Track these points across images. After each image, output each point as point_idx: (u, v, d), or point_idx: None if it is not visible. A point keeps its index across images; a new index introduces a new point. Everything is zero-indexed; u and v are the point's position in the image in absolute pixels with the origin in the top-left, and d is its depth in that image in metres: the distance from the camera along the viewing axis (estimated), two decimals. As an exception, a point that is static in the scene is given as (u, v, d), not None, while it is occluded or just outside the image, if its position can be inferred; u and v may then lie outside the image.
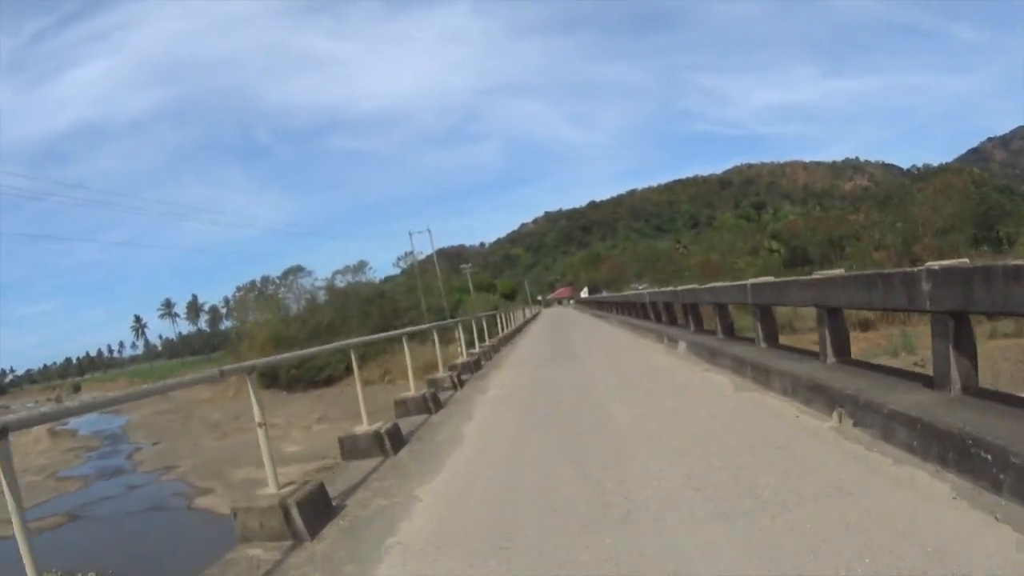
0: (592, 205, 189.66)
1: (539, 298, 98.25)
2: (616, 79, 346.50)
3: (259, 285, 40.93)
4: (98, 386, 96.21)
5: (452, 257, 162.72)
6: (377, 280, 40.59)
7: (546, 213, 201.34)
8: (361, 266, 39.43)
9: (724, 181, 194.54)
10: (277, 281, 40.36)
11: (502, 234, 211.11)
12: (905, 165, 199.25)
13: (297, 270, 40.27)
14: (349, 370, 34.69)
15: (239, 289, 42.67)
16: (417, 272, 41.52)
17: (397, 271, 46.91)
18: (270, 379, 36.64)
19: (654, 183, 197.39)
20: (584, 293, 61.71)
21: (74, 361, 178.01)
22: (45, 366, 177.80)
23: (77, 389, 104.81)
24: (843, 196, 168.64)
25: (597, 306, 30.77)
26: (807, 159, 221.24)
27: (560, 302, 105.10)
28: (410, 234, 49.14)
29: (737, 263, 27.42)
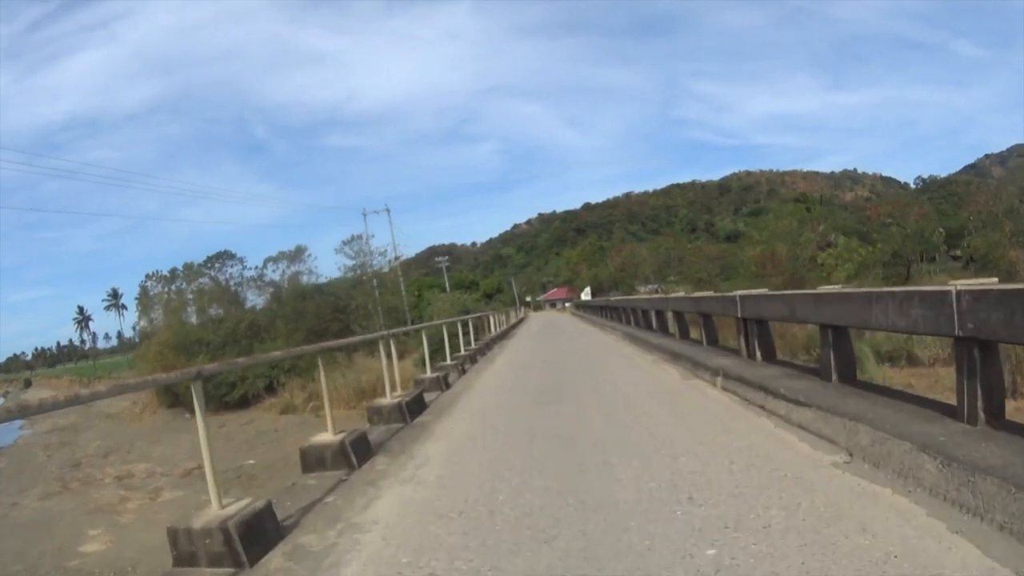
0: (587, 207, 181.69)
1: (528, 300, 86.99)
2: (615, 84, 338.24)
3: (181, 273, 32.19)
4: (46, 382, 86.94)
5: (443, 255, 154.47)
6: (317, 270, 32.35)
7: (539, 214, 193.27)
8: (299, 252, 30.93)
9: (723, 187, 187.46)
10: (198, 269, 31.67)
11: (495, 234, 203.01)
12: (903, 178, 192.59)
13: (225, 256, 31.62)
14: (271, 390, 25.37)
15: (148, 277, 33.70)
16: (369, 263, 32.99)
17: (349, 260, 37.31)
18: (174, 396, 27.90)
19: (650, 188, 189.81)
20: (586, 295, 46.42)
21: (43, 351, 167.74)
22: (15, 355, 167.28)
23: (28, 384, 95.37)
24: (845, 206, 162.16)
25: (638, 323, 17.20)
26: (804, 169, 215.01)
27: (553, 304, 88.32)
28: (364, 214, 38.14)
29: (819, 255, 19.21)
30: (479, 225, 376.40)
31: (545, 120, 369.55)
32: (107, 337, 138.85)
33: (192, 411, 20.08)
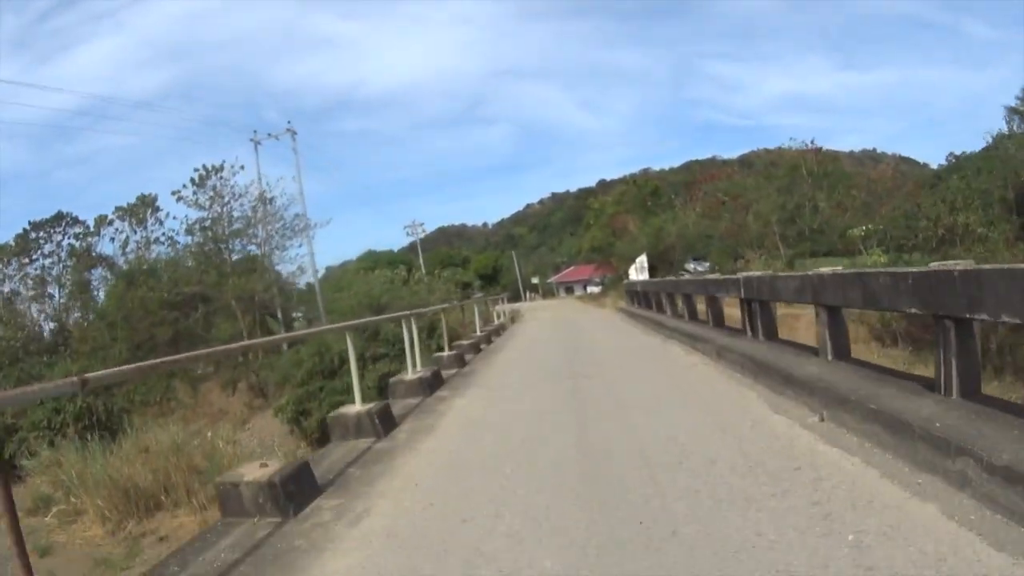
0: (602, 184, 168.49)
1: (534, 282, 65.77)
2: (627, 65, 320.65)
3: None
4: None
5: (452, 236, 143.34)
6: (175, 235, 20.96)
7: (552, 193, 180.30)
8: (144, 206, 19.65)
9: (744, 163, 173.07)
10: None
11: (507, 215, 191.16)
12: (921, 159, 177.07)
13: (67, 221, 20.45)
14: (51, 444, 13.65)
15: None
16: (229, 213, 21.00)
17: (199, 211, 22.35)
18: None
19: (667, 166, 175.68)
20: (638, 271, 24.30)
21: None
22: None
23: None
24: (873, 181, 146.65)
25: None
26: (824, 148, 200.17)
27: (570, 290, 63.64)
28: (254, 141, 26.22)
29: None
30: (492, 207, 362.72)
31: (558, 103, 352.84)
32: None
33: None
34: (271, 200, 22.90)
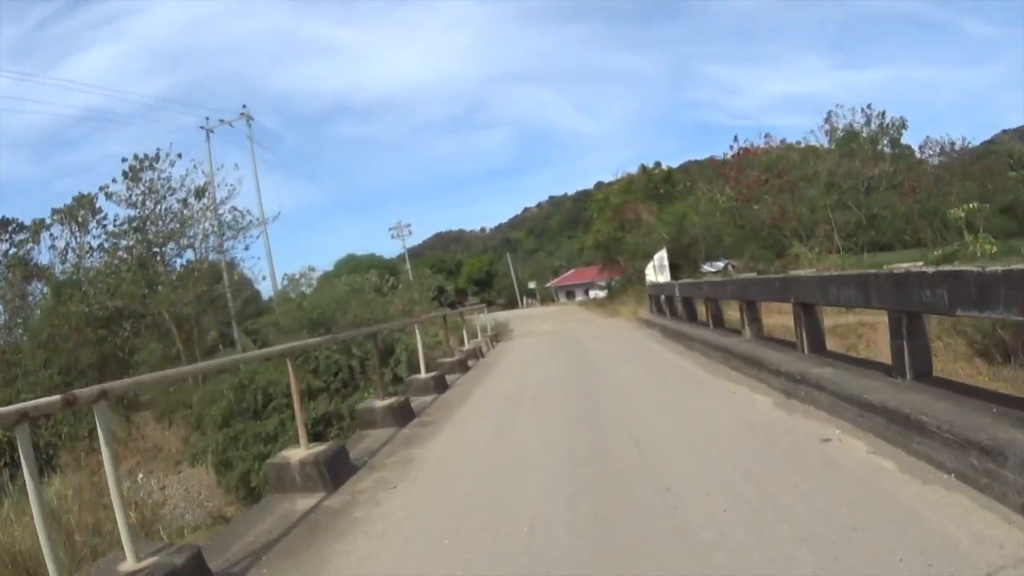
0: (599, 186, 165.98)
1: (531, 287, 60.28)
2: (625, 68, 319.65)
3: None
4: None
5: (450, 242, 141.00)
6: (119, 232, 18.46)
7: (550, 197, 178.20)
8: (82, 205, 17.53)
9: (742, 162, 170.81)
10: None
11: (504, 219, 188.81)
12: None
13: (13, 228, 18.29)
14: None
15: None
16: (165, 211, 18.23)
17: (130, 210, 19.45)
18: None
19: (664, 167, 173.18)
20: (655, 271, 18.33)
21: None
22: None
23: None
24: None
25: None
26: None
27: (571, 294, 56.93)
28: (206, 128, 23.66)
29: None
30: (490, 212, 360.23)
31: (556, 106, 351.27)
32: None
33: None
34: (204, 191, 19.73)
